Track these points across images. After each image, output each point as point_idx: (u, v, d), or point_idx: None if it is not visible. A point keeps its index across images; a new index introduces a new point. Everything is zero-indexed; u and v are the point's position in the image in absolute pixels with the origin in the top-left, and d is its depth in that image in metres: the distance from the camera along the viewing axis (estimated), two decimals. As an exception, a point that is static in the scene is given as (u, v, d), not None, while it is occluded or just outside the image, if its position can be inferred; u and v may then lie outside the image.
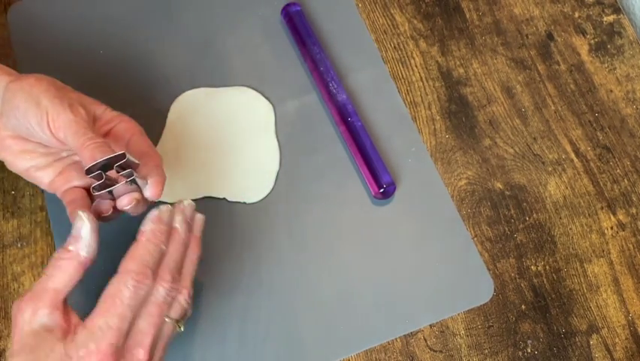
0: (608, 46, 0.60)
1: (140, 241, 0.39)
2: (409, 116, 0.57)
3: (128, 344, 0.36)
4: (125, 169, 0.39)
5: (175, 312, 0.40)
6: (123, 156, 0.38)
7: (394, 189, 0.53)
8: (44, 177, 0.45)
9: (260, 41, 0.59)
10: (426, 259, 0.51)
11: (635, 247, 0.53)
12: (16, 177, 0.55)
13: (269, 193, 0.53)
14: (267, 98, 0.57)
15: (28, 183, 0.55)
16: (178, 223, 0.42)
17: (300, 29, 0.58)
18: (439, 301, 0.50)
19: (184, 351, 0.49)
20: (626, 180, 0.55)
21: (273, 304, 0.50)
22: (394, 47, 0.60)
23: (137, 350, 0.36)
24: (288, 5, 0.59)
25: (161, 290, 0.38)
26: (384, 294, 0.50)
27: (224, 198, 0.53)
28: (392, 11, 0.61)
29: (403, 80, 0.58)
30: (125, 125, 0.45)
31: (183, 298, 0.40)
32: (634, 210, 0.54)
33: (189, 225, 0.43)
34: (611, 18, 0.61)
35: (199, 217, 0.44)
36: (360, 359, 0.49)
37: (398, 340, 0.50)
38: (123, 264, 0.38)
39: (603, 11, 0.61)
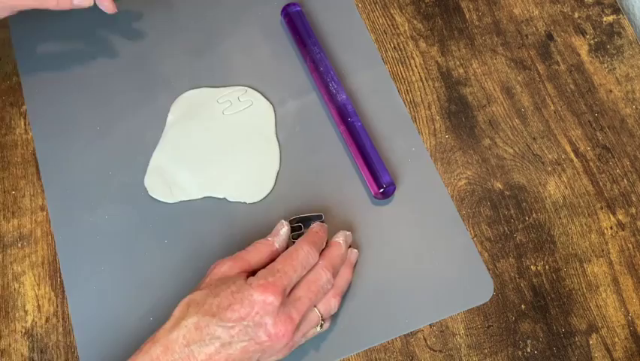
0: (608, 46, 0.60)
1: (312, 230, 0.48)
2: (409, 116, 0.57)
3: (288, 300, 0.43)
4: None
5: (324, 308, 0.46)
6: None
7: (394, 189, 0.53)
8: None
9: (260, 41, 0.59)
10: (425, 259, 0.52)
11: (635, 247, 0.53)
12: (17, 177, 0.55)
13: (269, 193, 0.54)
14: (267, 98, 0.57)
15: (28, 183, 0.55)
16: (341, 240, 0.49)
17: (300, 29, 0.58)
18: (438, 301, 0.50)
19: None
20: (625, 180, 0.55)
21: (273, 304, 0.50)
22: (394, 47, 0.60)
23: (293, 310, 0.43)
24: (288, 5, 0.59)
25: (323, 275, 0.45)
26: (385, 294, 0.50)
27: (224, 198, 0.53)
28: (392, 11, 0.61)
29: (402, 81, 0.58)
30: None
31: (335, 301, 0.46)
32: (633, 210, 0.54)
33: (347, 246, 0.50)
34: (611, 18, 0.61)
35: (354, 251, 0.51)
36: (360, 359, 0.49)
37: (398, 340, 0.50)
38: (301, 238, 0.47)
39: (603, 11, 0.61)
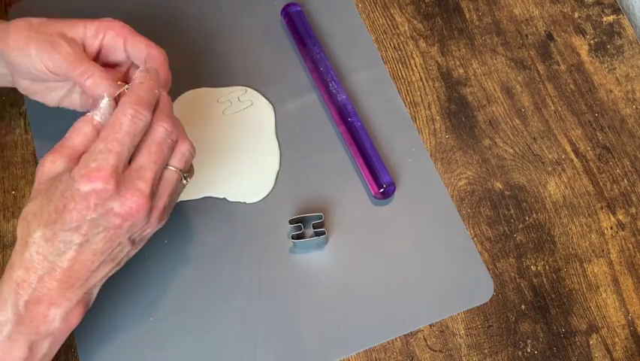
0: (608, 46, 0.60)
1: (135, 81, 0.41)
2: (409, 116, 0.57)
3: (128, 174, 0.39)
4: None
5: (178, 161, 0.42)
6: None
7: (394, 189, 0.53)
8: (75, 100, 0.49)
9: (260, 41, 0.59)
10: (426, 259, 0.52)
11: (635, 247, 0.53)
12: (17, 177, 0.55)
13: (269, 193, 0.54)
14: (267, 98, 0.57)
15: (28, 183, 0.55)
16: (146, 76, 0.42)
17: (300, 29, 0.58)
18: (438, 301, 0.50)
19: (185, 350, 0.49)
20: (625, 180, 0.55)
21: (274, 304, 0.50)
22: (394, 47, 0.60)
23: (138, 181, 0.39)
24: (288, 5, 0.59)
25: (160, 130, 0.40)
26: (384, 294, 0.50)
27: (224, 198, 0.53)
28: (392, 11, 0.61)
29: (402, 80, 0.58)
30: (113, 33, 0.46)
31: (186, 148, 0.42)
32: (633, 210, 0.54)
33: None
34: (611, 18, 0.61)
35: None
36: (360, 359, 0.49)
37: (398, 340, 0.50)
38: (122, 99, 0.40)
39: (603, 11, 0.61)
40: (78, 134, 0.40)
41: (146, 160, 0.40)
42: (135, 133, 0.39)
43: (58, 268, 0.39)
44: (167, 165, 0.42)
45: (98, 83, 0.42)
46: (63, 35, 0.45)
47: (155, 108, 0.41)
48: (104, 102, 0.41)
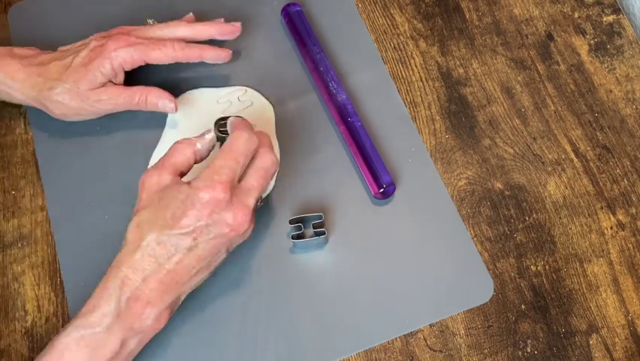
0: (608, 46, 0.60)
1: (238, 119, 0.48)
2: (409, 116, 0.57)
3: (239, 191, 0.45)
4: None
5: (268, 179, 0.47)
6: None
7: (394, 189, 0.53)
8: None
9: (260, 41, 0.59)
10: (426, 259, 0.52)
11: (635, 247, 0.53)
12: (17, 177, 0.55)
13: (269, 193, 0.54)
14: (267, 98, 0.57)
15: (28, 183, 0.55)
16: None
17: (300, 29, 0.58)
18: (438, 301, 0.50)
19: (185, 351, 0.49)
20: (625, 180, 0.55)
21: (273, 304, 0.50)
22: (394, 47, 0.60)
23: (247, 198, 0.45)
24: (288, 5, 0.59)
25: (268, 159, 0.46)
26: (384, 294, 0.50)
27: (224, 198, 0.53)
28: (392, 11, 0.61)
29: (402, 80, 0.58)
30: (162, 61, 0.54)
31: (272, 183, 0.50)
32: (633, 210, 0.54)
33: None
34: (611, 18, 0.61)
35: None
36: (360, 359, 0.49)
37: (398, 340, 0.50)
38: (236, 128, 0.46)
39: (603, 11, 0.61)
40: (180, 155, 0.46)
41: (255, 182, 0.45)
42: (247, 154, 0.45)
43: (164, 270, 0.43)
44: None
45: (156, 94, 0.53)
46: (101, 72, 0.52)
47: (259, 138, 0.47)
48: (210, 135, 0.47)
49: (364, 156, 0.53)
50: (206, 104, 0.56)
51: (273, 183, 0.51)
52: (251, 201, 0.45)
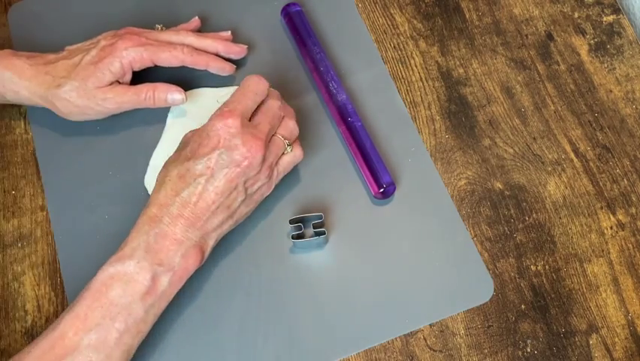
0: (608, 46, 0.60)
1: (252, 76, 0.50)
2: (409, 116, 0.57)
3: (249, 124, 0.47)
4: None
5: (284, 130, 0.50)
6: None
7: (394, 189, 0.53)
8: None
9: (260, 41, 0.59)
10: (426, 259, 0.52)
11: (635, 247, 0.53)
12: (17, 177, 0.55)
13: (269, 193, 0.53)
14: (267, 98, 0.57)
15: (28, 183, 0.55)
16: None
17: (300, 29, 0.58)
18: (438, 301, 0.50)
19: (184, 350, 0.49)
20: (625, 180, 0.55)
21: (273, 304, 0.50)
22: (394, 47, 0.60)
23: (256, 130, 0.47)
24: (288, 5, 0.59)
25: (274, 103, 0.49)
26: (384, 294, 0.50)
27: (224, 198, 0.53)
28: (392, 11, 0.61)
29: (402, 80, 0.58)
30: (170, 63, 0.54)
31: (292, 124, 0.51)
32: (633, 210, 0.54)
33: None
34: (611, 18, 0.61)
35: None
36: (360, 358, 0.49)
37: (398, 339, 0.50)
38: (246, 77, 0.49)
39: (603, 11, 0.61)
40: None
41: (263, 119, 0.48)
42: (257, 92, 0.48)
43: (187, 205, 0.45)
44: (275, 132, 0.49)
45: (164, 89, 0.54)
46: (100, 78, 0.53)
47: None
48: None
49: (364, 156, 0.53)
50: (206, 104, 0.56)
51: (297, 129, 0.51)
52: (259, 133, 0.47)
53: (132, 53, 0.52)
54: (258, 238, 0.52)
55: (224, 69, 0.56)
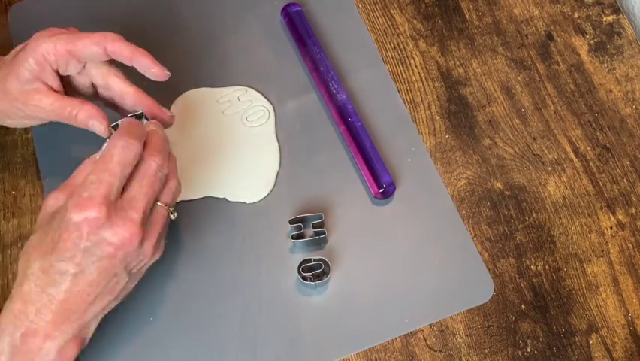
0: (608, 46, 0.60)
1: (123, 123, 0.43)
2: (409, 116, 0.57)
3: (120, 204, 0.40)
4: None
5: (167, 197, 0.43)
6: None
7: (394, 189, 0.53)
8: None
9: (260, 41, 0.59)
10: (426, 259, 0.52)
11: (635, 247, 0.53)
12: (17, 177, 0.55)
13: (269, 193, 0.54)
14: (267, 98, 0.57)
15: (28, 183, 0.55)
16: (153, 126, 0.45)
17: (300, 29, 0.58)
18: (438, 301, 0.50)
19: (185, 350, 0.49)
20: (625, 180, 0.55)
21: (273, 304, 0.50)
22: (394, 47, 0.60)
23: (130, 211, 0.40)
24: (288, 5, 0.59)
25: (152, 164, 0.42)
26: (384, 294, 0.50)
27: (224, 198, 0.53)
28: (392, 11, 0.61)
29: (402, 80, 0.58)
30: (91, 51, 0.45)
31: (175, 185, 0.44)
32: (633, 210, 0.54)
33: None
34: (611, 18, 0.61)
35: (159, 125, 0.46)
36: (360, 358, 0.49)
37: (398, 340, 0.50)
38: (114, 134, 0.42)
39: (603, 11, 0.61)
40: (80, 173, 0.42)
41: (138, 191, 0.41)
42: (125, 163, 0.40)
43: (54, 300, 0.39)
44: (156, 199, 0.43)
45: (87, 114, 0.46)
46: (38, 77, 0.46)
47: (146, 143, 0.43)
48: (106, 144, 0.43)
49: (364, 156, 0.53)
50: (206, 104, 0.56)
51: (179, 189, 0.46)
52: (135, 215, 0.40)
53: (43, 44, 0.44)
54: (258, 238, 0.52)
55: (155, 71, 0.47)
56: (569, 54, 0.59)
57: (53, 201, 0.42)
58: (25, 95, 0.46)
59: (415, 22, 0.61)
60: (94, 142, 0.55)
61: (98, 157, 0.42)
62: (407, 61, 0.59)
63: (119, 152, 0.40)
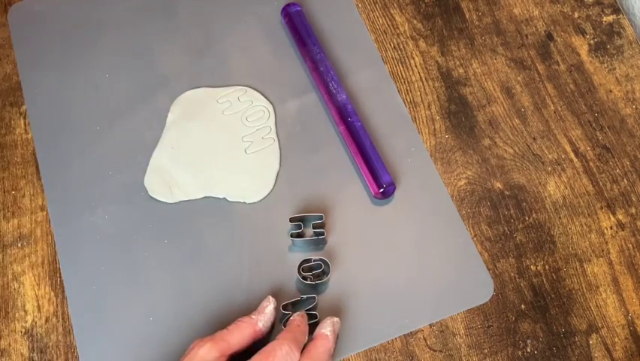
0: (608, 46, 0.60)
1: (293, 323, 0.45)
2: (409, 116, 0.57)
3: None
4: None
5: None
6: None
7: (394, 189, 0.53)
8: None
9: (260, 41, 0.59)
10: (426, 259, 0.52)
11: (635, 247, 0.53)
12: (17, 177, 0.55)
13: (269, 193, 0.54)
14: (267, 98, 0.57)
15: (28, 183, 0.55)
16: (329, 331, 0.46)
17: (300, 29, 0.58)
18: (438, 301, 0.50)
19: (184, 351, 0.49)
20: (625, 180, 0.55)
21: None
22: (394, 47, 0.60)
23: None
24: (288, 5, 0.59)
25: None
26: (384, 294, 0.50)
27: (224, 198, 0.53)
28: (392, 11, 0.61)
29: (402, 80, 0.58)
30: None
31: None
32: (633, 210, 0.54)
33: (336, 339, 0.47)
34: (611, 18, 0.61)
35: (337, 320, 0.47)
36: (360, 358, 0.49)
37: (398, 340, 0.50)
38: (281, 334, 0.44)
39: (603, 11, 0.61)
40: (239, 334, 0.44)
41: None
42: None
43: None
44: None
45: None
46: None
47: (306, 350, 0.44)
48: (269, 309, 0.46)
49: (364, 156, 0.53)
50: (206, 104, 0.56)
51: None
52: None
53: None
54: (258, 238, 0.52)
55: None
56: (568, 54, 0.59)
57: (205, 351, 0.42)
58: None
59: (415, 22, 0.61)
60: (94, 142, 0.56)
61: (259, 323, 0.45)
62: (407, 61, 0.59)
63: (282, 355, 0.42)
